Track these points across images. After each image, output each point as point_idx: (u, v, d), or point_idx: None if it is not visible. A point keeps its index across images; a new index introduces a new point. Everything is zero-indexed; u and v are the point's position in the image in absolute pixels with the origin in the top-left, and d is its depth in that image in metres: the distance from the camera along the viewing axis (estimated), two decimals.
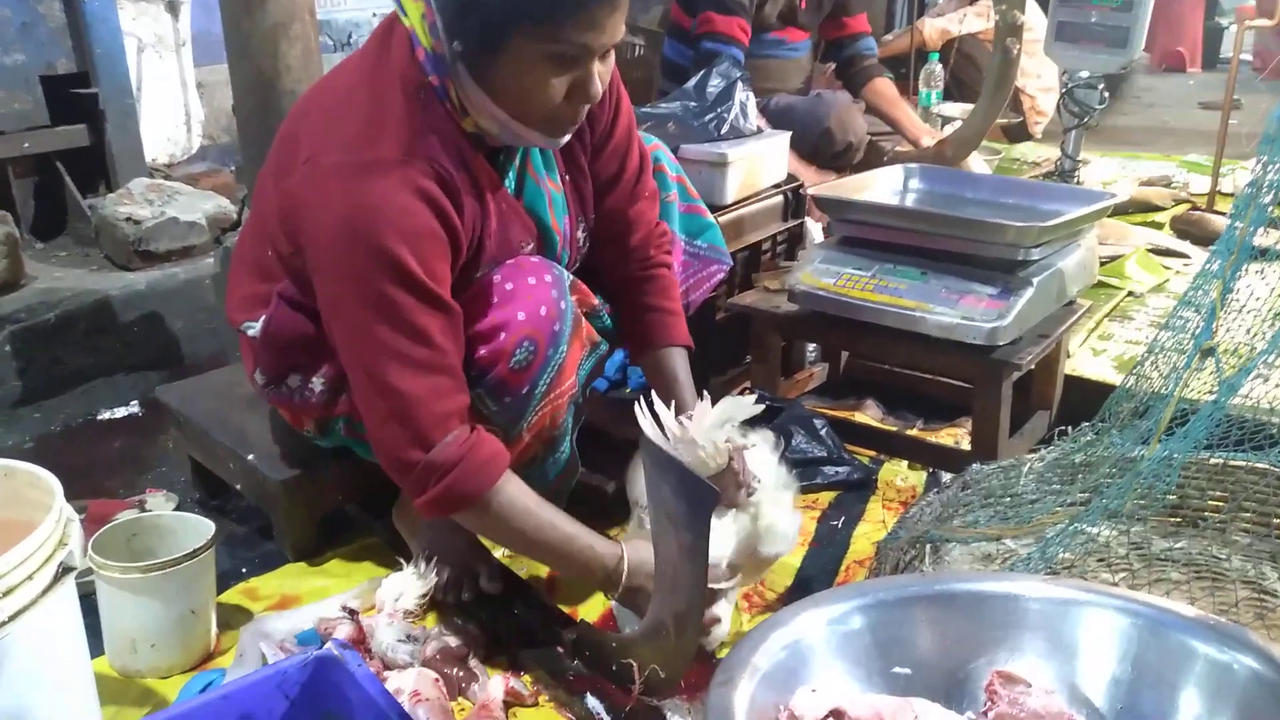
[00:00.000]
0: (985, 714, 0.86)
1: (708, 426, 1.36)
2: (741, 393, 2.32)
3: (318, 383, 1.58)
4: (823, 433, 2.10)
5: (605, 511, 1.80)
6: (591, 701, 1.45)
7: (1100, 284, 2.59)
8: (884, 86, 3.20)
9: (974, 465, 1.75)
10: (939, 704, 0.87)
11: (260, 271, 1.57)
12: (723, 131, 2.26)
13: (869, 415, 2.31)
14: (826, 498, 2.01)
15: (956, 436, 2.20)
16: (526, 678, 1.54)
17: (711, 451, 1.35)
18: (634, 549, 1.46)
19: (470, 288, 1.43)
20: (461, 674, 1.55)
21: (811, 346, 2.47)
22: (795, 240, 2.43)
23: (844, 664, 0.89)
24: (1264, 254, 1.31)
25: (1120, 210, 3.20)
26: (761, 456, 1.47)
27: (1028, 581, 0.91)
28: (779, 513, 1.45)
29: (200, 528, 1.62)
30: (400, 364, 1.33)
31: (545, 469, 1.60)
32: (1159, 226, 3.19)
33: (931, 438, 2.20)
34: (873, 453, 2.16)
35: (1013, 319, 1.82)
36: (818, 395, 2.41)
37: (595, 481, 1.84)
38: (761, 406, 1.41)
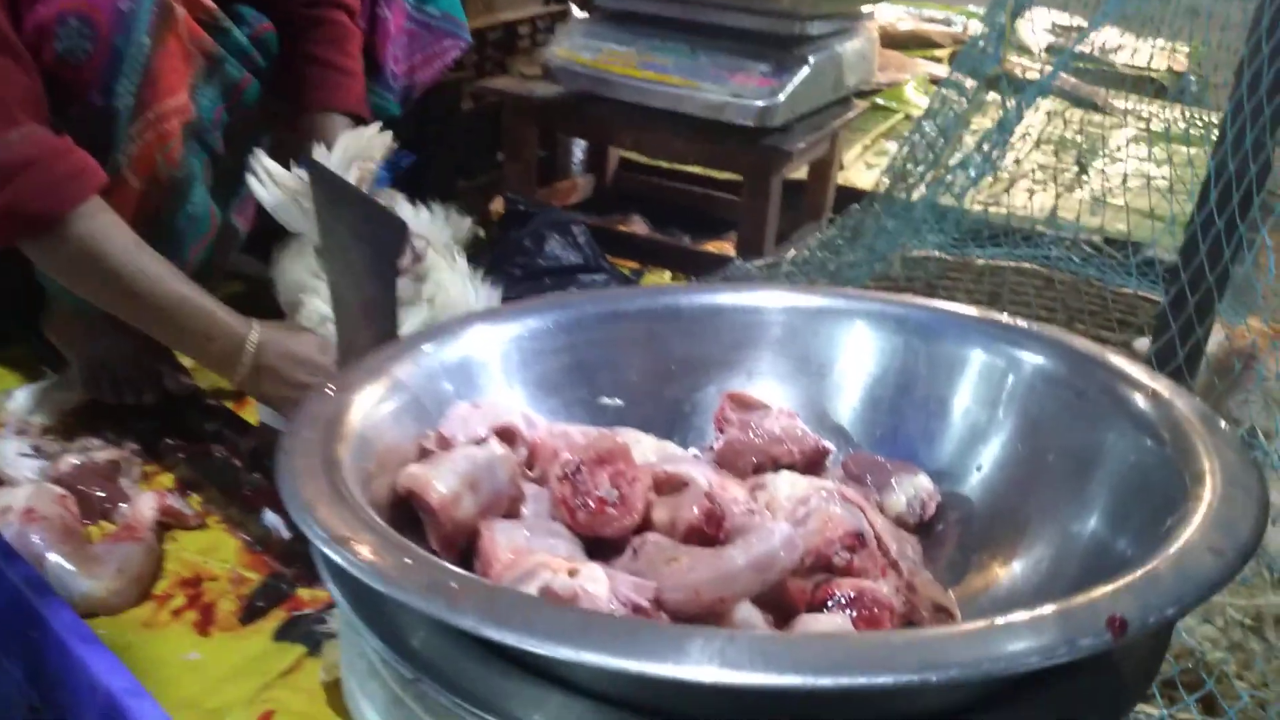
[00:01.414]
0: (712, 446, 0.65)
1: (337, 165, 1.08)
2: (490, 201, 2.08)
3: None
4: (580, 239, 1.87)
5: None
6: (269, 517, 1.20)
7: (878, 106, 2.53)
8: None
9: (734, 262, 1.58)
10: (651, 435, 0.66)
11: None
12: None
13: (634, 229, 2.12)
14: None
15: (724, 249, 2.04)
16: (194, 498, 1.26)
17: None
18: (266, 325, 1.18)
19: None
20: (106, 493, 1.26)
21: (576, 156, 2.23)
22: (558, 26, 2.14)
23: (532, 390, 0.66)
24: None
25: (901, 45, 3.15)
26: (403, 210, 1.21)
27: (769, 291, 0.71)
28: (456, 282, 1.19)
29: None
30: None
31: (177, 228, 1.28)
32: (938, 61, 3.14)
33: (697, 249, 2.03)
34: (635, 264, 1.96)
35: (785, 98, 1.64)
36: (582, 209, 2.19)
37: None
38: (391, 141, 1.15)
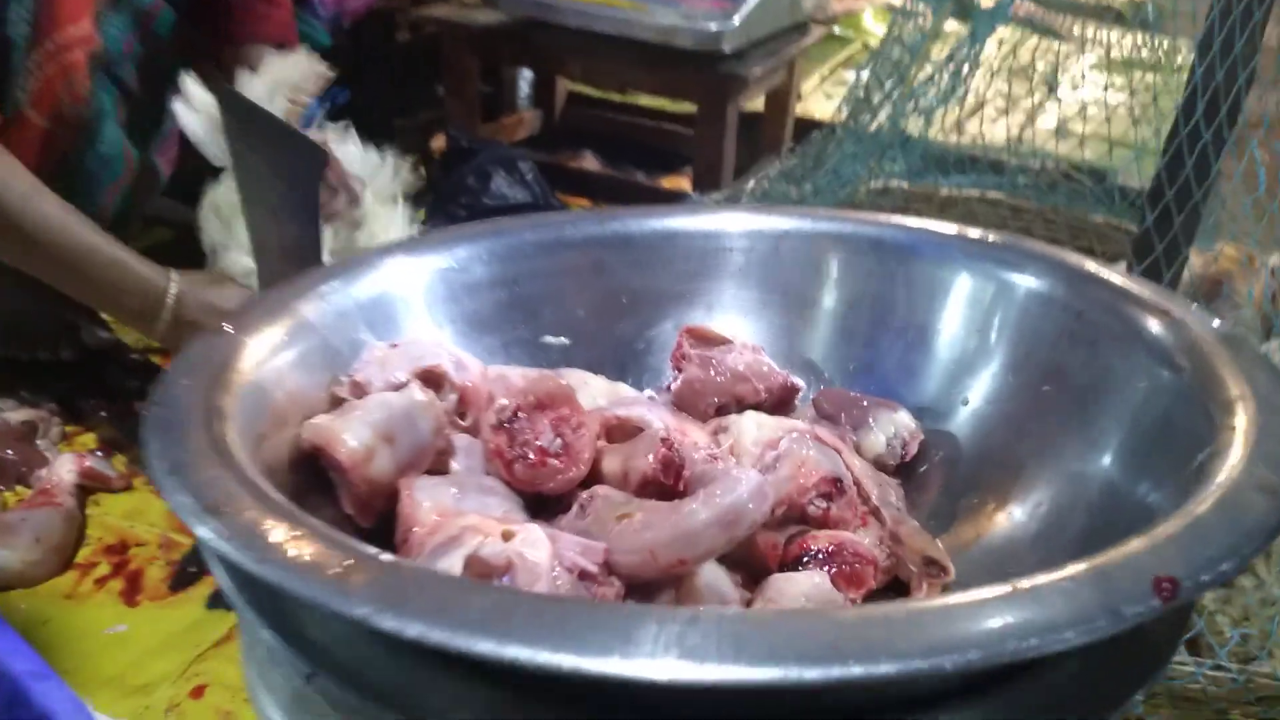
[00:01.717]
0: (670, 388, 0.58)
1: (259, 95, 0.98)
2: (428, 136, 1.97)
3: None
4: (528, 176, 1.78)
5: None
6: None
7: (835, 36, 2.44)
8: None
9: (691, 195, 1.50)
10: (600, 375, 0.59)
11: None
12: None
13: (586, 166, 2.03)
14: None
15: (678, 184, 1.96)
16: (119, 458, 1.17)
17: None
18: (187, 276, 1.07)
19: None
20: (19, 456, 1.16)
21: (523, 90, 2.12)
22: None
23: (459, 330, 0.58)
24: None
25: None
26: (348, 150, 1.12)
27: (728, 214, 0.63)
28: (396, 230, 1.10)
29: None
30: None
31: (88, 169, 1.18)
32: None
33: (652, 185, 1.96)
34: (587, 202, 1.88)
35: (740, 21, 1.55)
36: (530, 146, 2.09)
37: None
38: (325, 71, 1.06)
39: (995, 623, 0.29)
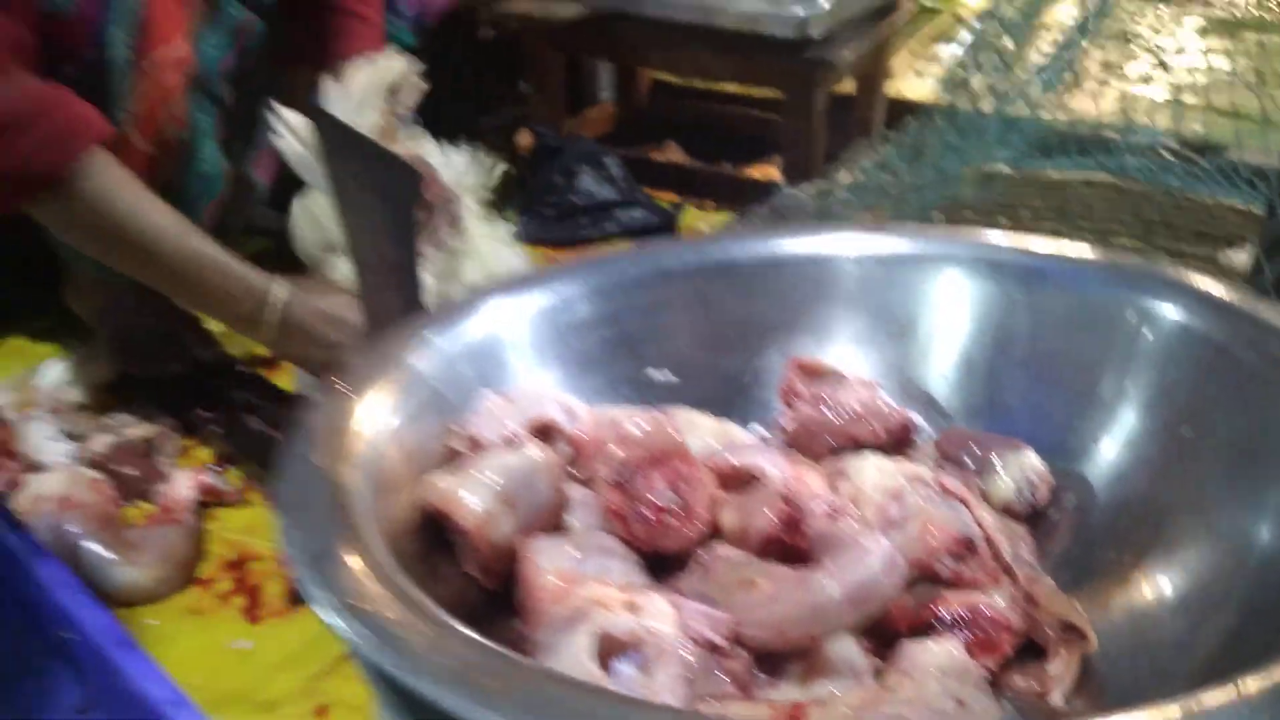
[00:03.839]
0: (781, 424, 0.57)
1: (355, 103, 0.99)
2: (514, 130, 1.98)
3: None
4: (614, 172, 1.79)
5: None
6: None
7: (924, 8, 2.35)
8: None
9: (784, 190, 1.47)
10: (709, 414, 0.57)
11: None
12: None
13: (671, 157, 2.01)
14: (620, 247, 1.72)
15: (769, 174, 1.93)
16: (233, 472, 1.21)
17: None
18: (292, 283, 1.11)
19: None
20: (140, 472, 1.21)
21: (605, 81, 2.12)
22: None
23: (569, 368, 0.58)
24: None
25: None
26: (444, 161, 1.12)
27: (839, 234, 0.61)
28: (498, 251, 1.10)
29: None
30: None
31: (190, 190, 1.22)
32: None
33: (740, 176, 1.91)
34: (674, 196, 1.87)
35: (828, 5, 1.51)
36: (614, 139, 2.08)
37: None
38: (421, 83, 1.06)
39: None
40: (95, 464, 1.17)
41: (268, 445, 1.21)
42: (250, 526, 1.13)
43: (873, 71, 1.84)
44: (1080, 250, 0.57)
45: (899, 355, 0.60)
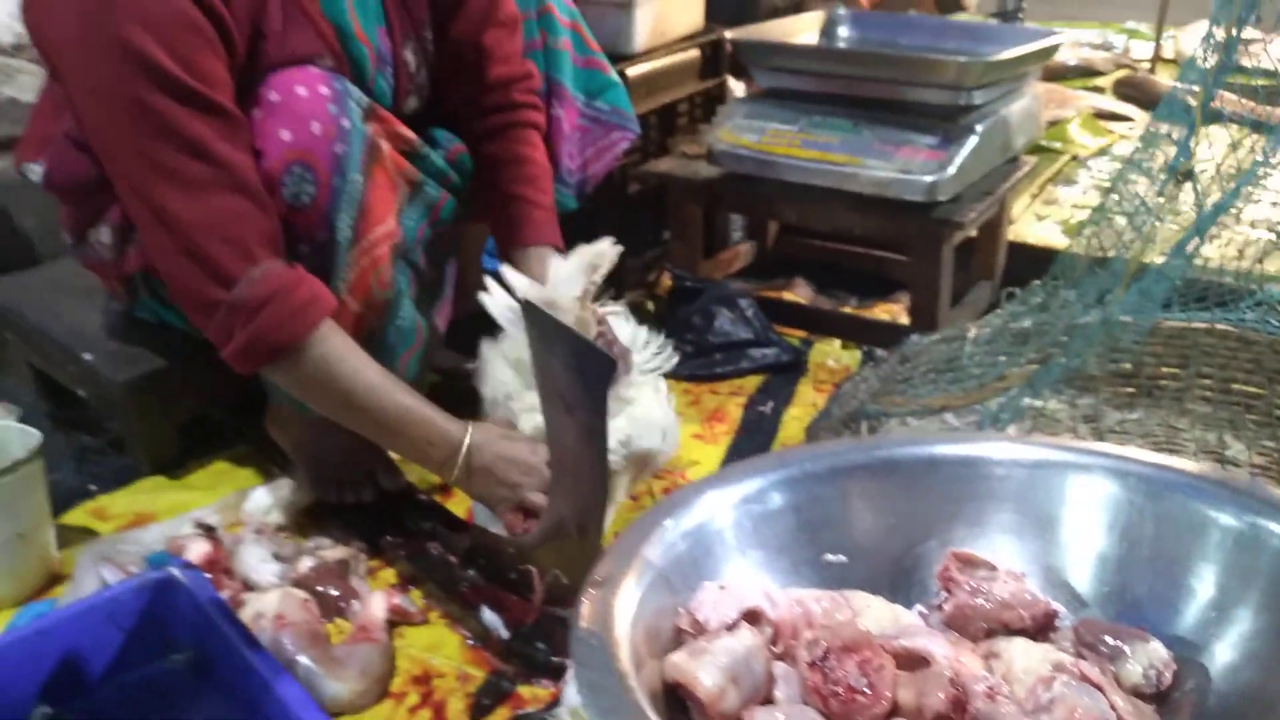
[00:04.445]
0: (940, 606, 0.68)
1: (564, 277, 1.14)
2: (657, 279, 2.14)
3: (104, 232, 1.36)
4: (748, 313, 1.92)
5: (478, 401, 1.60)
6: (487, 615, 1.26)
7: (1041, 149, 2.46)
8: None
9: (912, 337, 1.58)
10: (882, 597, 0.69)
11: (55, 105, 1.33)
12: None
13: (799, 295, 2.13)
14: (753, 383, 1.84)
15: (893, 313, 2.04)
16: (416, 593, 1.35)
17: (568, 305, 1.13)
18: (481, 428, 1.27)
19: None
20: (339, 592, 1.35)
21: (737, 223, 2.27)
22: (715, 102, 2.19)
23: (762, 553, 0.71)
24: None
25: (1060, 75, 3.07)
26: (623, 327, 1.26)
27: (989, 442, 0.73)
28: (653, 399, 1.24)
29: (26, 438, 1.37)
30: (174, 185, 1.12)
31: (389, 343, 1.39)
32: (1100, 90, 3.03)
33: (866, 315, 2.03)
34: (803, 333, 1.99)
35: (955, 171, 1.64)
36: (744, 276, 2.23)
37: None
38: (614, 251, 1.21)
39: None
40: (301, 584, 1.31)
41: (447, 570, 1.36)
42: (432, 645, 1.25)
43: (995, 219, 1.94)
44: (1196, 467, 0.68)
45: (1042, 548, 0.71)
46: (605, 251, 1.23)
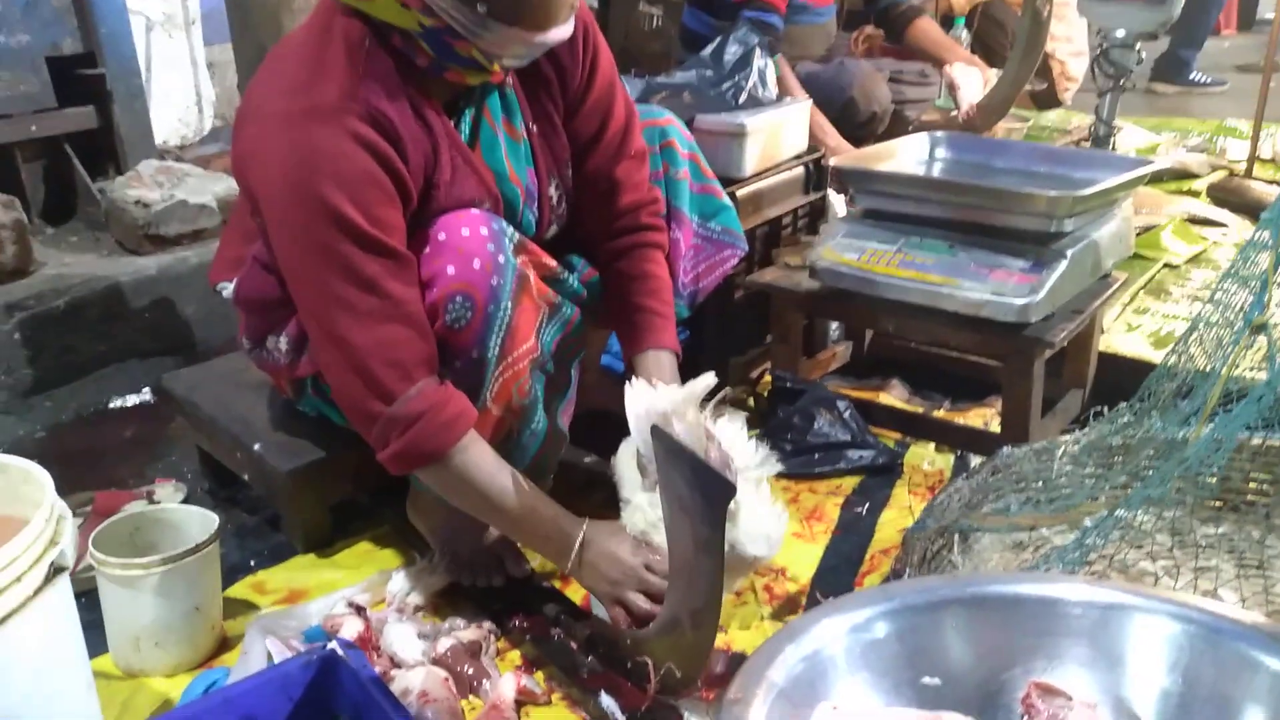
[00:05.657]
0: None
1: (679, 401, 1.30)
2: (759, 376, 2.27)
3: (283, 341, 1.56)
4: (846, 415, 2.03)
5: (594, 489, 1.74)
6: (605, 700, 1.40)
7: (1135, 255, 2.49)
8: (928, 25, 3.02)
9: (1004, 449, 1.67)
10: (972, 718, 0.81)
11: (244, 234, 1.56)
12: (740, 100, 2.17)
13: (894, 396, 2.23)
14: (851, 483, 1.94)
15: (986, 417, 2.12)
16: (539, 674, 1.49)
17: (691, 419, 1.29)
18: (594, 526, 1.44)
19: (410, 241, 1.39)
20: (473, 671, 1.49)
21: (834, 324, 2.39)
22: (817, 214, 2.34)
23: (868, 675, 0.83)
24: None
25: (1154, 178, 3.08)
26: (733, 434, 1.41)
27: (1068, 584, 0.84)
28: (759, 508, 1.37)
29: (205, 521, 1.57)
30: (349, 315, 1.32)
31: (524, 442, 1.55)
32: (1195, 194, 3.07)
33: (959, 419, 2.12)
34: (898, 435, 2.09)
35: (1045, 294, 1.74)
36: (841, 376, 2.33)
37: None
38: (713, 380, 1.38)
39: None
40: (440, 662, 1.45)
41: (568, 654, 1.50)
42: None
43: (1085, 332, 2.02)
44: (1248, 616, 0.78)
45: (1112, 680, 0.81)
46: (710, 382, 1.40)
